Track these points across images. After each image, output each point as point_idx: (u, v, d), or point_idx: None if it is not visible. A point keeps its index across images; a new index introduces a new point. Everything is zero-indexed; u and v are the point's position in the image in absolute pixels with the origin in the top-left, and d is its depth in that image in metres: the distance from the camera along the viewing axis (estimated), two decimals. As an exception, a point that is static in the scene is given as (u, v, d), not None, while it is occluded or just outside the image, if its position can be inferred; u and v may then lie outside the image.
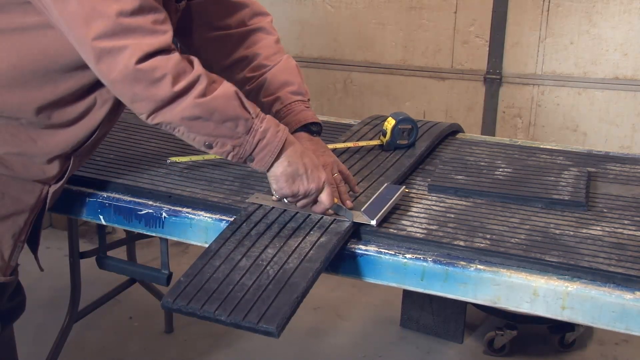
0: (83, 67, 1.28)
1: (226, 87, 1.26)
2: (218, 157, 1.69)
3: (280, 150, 1.30)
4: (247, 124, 1.27)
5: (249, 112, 1.27)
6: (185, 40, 1.61)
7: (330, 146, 1.70)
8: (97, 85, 1.33)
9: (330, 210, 1.39)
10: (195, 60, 1.25)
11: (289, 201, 1.38)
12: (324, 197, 1.36)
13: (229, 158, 1.30)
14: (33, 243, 1.52)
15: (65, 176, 1.45)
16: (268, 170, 1.33)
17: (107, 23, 1.16)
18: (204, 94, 1.22)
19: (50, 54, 1.29)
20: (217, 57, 1.58)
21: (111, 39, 1.17)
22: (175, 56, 1.21)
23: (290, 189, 1.33)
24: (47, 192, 1.44)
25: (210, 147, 1.28)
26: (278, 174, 1.32)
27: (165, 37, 1.21)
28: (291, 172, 1.32)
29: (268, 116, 1.31)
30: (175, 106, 1.21)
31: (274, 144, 1.29)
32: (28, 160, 1.38)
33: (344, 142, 1.78)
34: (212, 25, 1.57)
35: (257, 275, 1.23)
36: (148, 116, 1.24)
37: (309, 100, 1.56)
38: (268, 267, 1.25)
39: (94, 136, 1.42)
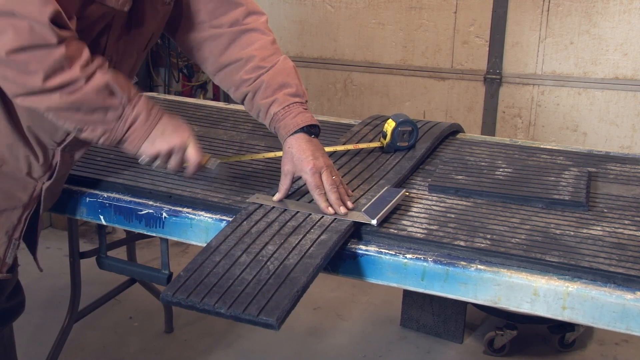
0: None
1: (97, 80, 1.26)
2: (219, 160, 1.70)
3: (150, 132, 1.34)
4: (116, 112, 1.29)
5: (120, 100, 1.29)
6: (178, 38, 1.59)
7: (330, 149, 1.69)
8: None
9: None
10: (81, 57, 1.24)
11: (158, 165, 1.39)
12: (191, 153, 1.38)
13: (100, 142, 1.32)
14: (31, 244, 1.52)
15: (56, 172, 1.45)
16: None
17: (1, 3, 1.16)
18: (73, 92, 1.23)
19: None
20: (211, 56, 1.57)
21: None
22: (59, 52, 1.20)
23: (151, 148, 1.35)
24: (41, 189, 1.43)
25: (80, 131, 1.30)
26: (146, 147, 1.35)
27: (52, 33, 1.19)
28: (152, 135, 1.34)
29: (142, 100, 1.33)
30: (43, 98, 1.23)
31: (145, 127, 1.32)
32: (19, 152, 1.38)
33: (344, 143, 1.78)
34: (206, 24, 1.55)
35: (258, 270, 1.23)
36: (16, 98, 1.25)
37: (307, 101, 1.56)
38: (268, 263, 1.26)
39: None
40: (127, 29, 1.41)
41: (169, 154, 1.37)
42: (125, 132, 1.31)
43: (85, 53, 1.25)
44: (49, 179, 1.44)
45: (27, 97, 1.24)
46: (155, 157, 1.37)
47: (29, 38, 1.18)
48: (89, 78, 1.25)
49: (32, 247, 1.53)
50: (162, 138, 1.35)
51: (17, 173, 1.40)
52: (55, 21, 1.20)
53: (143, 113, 1.32)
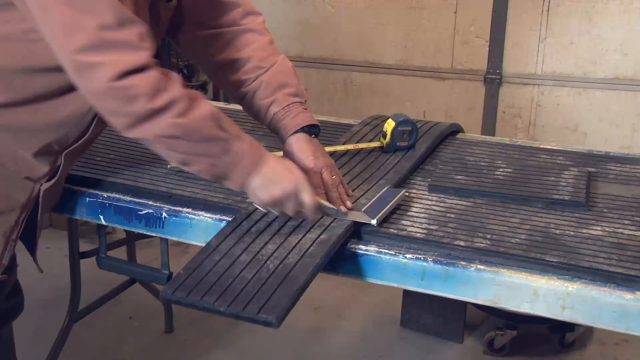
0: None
1: (203, 108, 1.25)
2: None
3: (256, 169, 1.30)
4: (225, 145, 1.26)
5: (228, 133, 1.27)
6: (177, 38, 1.60)
7: (330, 148, 1.69)
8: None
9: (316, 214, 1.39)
10: (176, 79, 1.24)
11: (277, 212, 1.36)
12: (305, 198, 1.32)
13: (205, 176, 1.31)
14: (30, 245, 1.52)
15: (57, 175, 1.44)
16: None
17: (87, 37, 1.15)
18: (181, 114, 1.21)
19: (35, 55, 1.29)
20: (208, 56, 1.57)
21: (90, 54, 1.16)
22: (153, 74, 1.19)
23: (268, 195, 1.31)
24: (39, 191, 1.43)
25: (186, 164, 1.28)
26: (254, 187, 1.32)
27: (145, 53, 1.19)
28: (262, 181, 1.31)
29: (247, 137, 1.31)
30: (152, 124, 1.20)
31: (250, 165, 1.29)
32: (17, 155, 1.37)
33: (344, 143, 1.78)
34: (203, 24, 1.55)
35: (257, 269, 1.24)
36: (126, 130, 1.23)
37: (306, 101, 1.56)
38: (268, 262, 1.26)
39: (87, 135, 1.42)
40: None
41: (283, 200, 1.32)
42: (231, 168, 1.28)
43: (179, 77, 1.25)
44: (49, 180, 1.44)
45: (136, 127, 1.21)
46: (270, 204, 1.33)
47: (127, 63, 1.17)
48: (193, 102, 1.23)
49: (32, 249, 1.52)
50: (274, 184, 1.31)
51: (16, 175, 1.40)
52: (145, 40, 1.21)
53: (249, 151, 1.29)
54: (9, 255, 1.43)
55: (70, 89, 1.32)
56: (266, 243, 1.32)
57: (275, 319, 1.13)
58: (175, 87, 1.22)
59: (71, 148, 1.43)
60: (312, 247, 1.29)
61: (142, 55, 1.18)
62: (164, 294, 1.21)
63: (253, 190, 1.32)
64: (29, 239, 1.50)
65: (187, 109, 1.21)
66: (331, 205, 1.38)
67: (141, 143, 1.28)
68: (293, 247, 1.30)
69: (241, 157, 1.28)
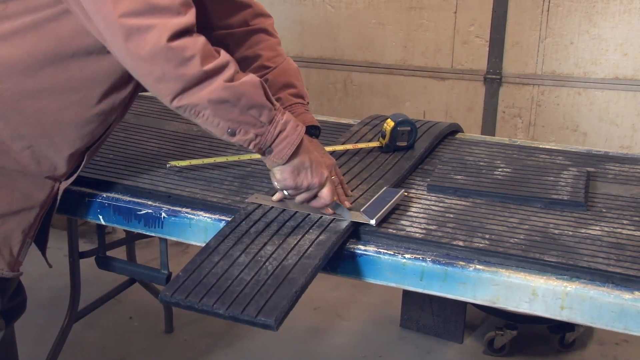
0: (97, 52, 1.28)
1: (252, 75, 1.26)
2: (217, 160, 1.71)
3: (300, 142, 1.31)
4: (270, 113, 1.26)
5: (272, 103, 1.27)
6: None
7: (329, 148, 1.70)
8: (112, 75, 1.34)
9: (329, 209, 1.40)
10: (221, 49, 1.24)
11: (290, 194, 1.38)
12: (325, 193, 1.36)
13: (251, 147, 1.28)
14: (41, 241, 1.53)
15: (77, 173, 1.45)
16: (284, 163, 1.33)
17: (133, 2, 1.15)
18: (232, 79, 1.21)
19: (65, 40, 1.29)
20: None
21: (139, 17, 1.15)
22: (203, 38, 1.20)
23: (295, 181, 1.33)
24: (58, 189, 1.44)
25: (233, 134, 1.26)
26: (286, 168, 1.32)
27: (191, 17, 1.20)
28: (298, 164, 1.32)
29: (287, 111, 1.32)
30: (204, 87, 1.20)
31: (294, 137, 1.29)
32: (41, 156, 1.38)
33: (343, 143, 1.78)
34: (214, 25, 1.57)
35: (256, 271, 1.23)
36: (174, 97, 1.21)
37: (308, 103, 1.57)
38: (267, 263, 1.26)
39: (108, 130, 1.43)
40: None
41: (305, 190, 1.35)
42: (275, 139, 1.28)
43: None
44: (68, 179, 1.45)
45: (187, 92, 1.20)
46: (292, 188, 1.35)
47: (177, 24, 1.17)
48: (237, 69, 1.23)
49: (42, 246, 1.53)
50: (306, 173, 1.33)
51: (38, 175, 1.40)
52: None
53: (292, 121, 1.29)
54: (26, 252, 1.44)
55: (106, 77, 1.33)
56: (265, 244, 1.32)
57: (274, 321, 1.13)
58: (222, 52, 1.23)
59: (94, 146, 1.44)
60: (310, 248, 1.29)
61: (188, 18, 1.19)
62: (162, 297, 1.21)
63: (283, 171, 1.32)
64: (41, 235, 1.51)
65: (235, 74, 1.22)
66: (343, 208, 1.39)
67: (183, 115, 1.25)
68: (292, 248, 1.30)
69: (286, 129, 1.28)
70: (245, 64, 1.56)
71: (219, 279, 1.22)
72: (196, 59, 1.17)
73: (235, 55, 1.57)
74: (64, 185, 1.44)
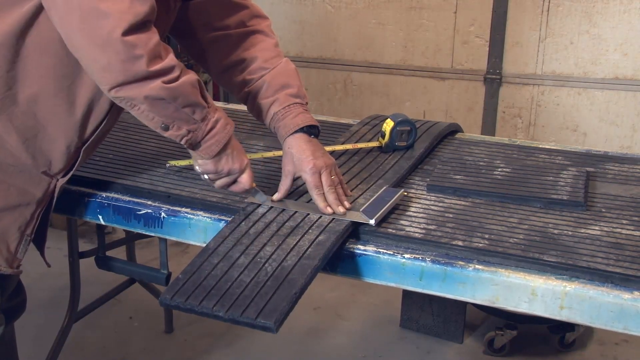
0: None
1: (191, 75, 1.29)
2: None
3: (229, 140, 1.36)
4: (204, 112, 1.30)
5: (207, 102, 1.31)
6: (185, 42, 1.61)
7: (329, 148, 1.69)
8: None
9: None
10: (170, 50, 1.27)
11: (210, 178, 1.41)
12: (245, 178, 1.41)
13: (182, 142, 1.32)
14: (40, 240, 1.53)
15: (73, 170, 1.45)
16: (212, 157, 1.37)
17: None
18: (172, 81, 1.24)
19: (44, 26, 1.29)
20: (216, 58, 1.58)
21: (98, 0, 1.16)
22: (155, 38, 1.22)
23: (215, 166, 1.38)
24: (55, 186, 1.44)
25: (166, 128, 1.30)
26: (216, 157, 1.37)
27: (149, 10, 1.21)
28: (222, 154, 1.37)
29: (219, 108, 1.36)
30: (144, 85, 1.22)
31: (222, 135, 1.34)
32: (36, 150, 1.38)
33: (343, 143, 1.78)
34: (211, 26, 1.57)
35: (256, 272, 1.23)
36: (113, 88, 1.23)
37: (307, 103, 1.56)
38: (266, 265, 1.26)
39: (102, 125, 1.42)
40: None
41: (225, 175, 1.40)
42: (205, 135, 1.33)
43: (168, 46, 1.28)
44: (65, 175, 1.45)
45: (127, 85, 1.22)
46: (212, 173, 1.39)
47: (134, 17, 1.18)
48: (182, 70, 1.27)
49: (41, 245, 1.53)
50: (227, 159, 1.38)
51: (33, 171, 1.40)
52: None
53: (222, 120, 1.34)
54: (25, 250, 1.44)
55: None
56: (264, 245, 1.32)
57: (274, 323, 1.13)
58: (171, 55, 1.26)
59: (89, 141, 1.43)
60: (310, 249, 1.29)
61: (147, 11, 1.20)
62: (162, 299, 1.21)
63: (211, 159, 1.37)
64: (39, 234, 1.51)
65: (177, 77, 1.25)
66: (262, 193, 1.46)
67: (119, 103, 1.28)
68: (291, 249, 1.30)
69: (216, 127, 1.33)
70: (242, 66, 1.56)
71: (219, 281, 1.22)
72: (144, 58, 1.20)
73: (233, 57, 1.57)
74: (61, 182, 1.44)
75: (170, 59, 1.25)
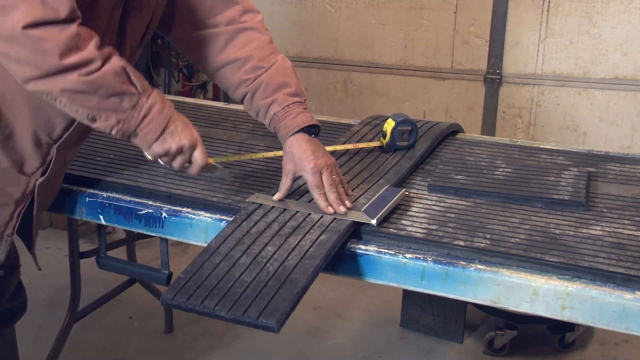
0: None
1: (114, 63, 1.24)
2: (218, 160, 1.70)
3: (165, 127, 1.31)
4: (133, 99, 1.26)
5: (136, 88, 1.27)
6: (173, 36, 1.59)
7: (330, 148, 1.69)
8: None
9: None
10: (93, 38, 1.22)
11: (164, 162, 1.38)
12: (198, 155, 1.37)
13: (113, 133, 1.28)
14: (28, 241, 1.52)
15: (50, 168, 1.44)
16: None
17: None
18: (90, 73, 1.20)
19: None
20: (208, 55, 1.56)
21: None
22: (71, 30, 1.18)
23: (162, 146, 1.33)
24: (34, 185, 1.42)
25: (93, 120, 1.27)
26: (157, 143, 1.34)
27: (65, 5, 1.17)
28: (164, 135, 1.33)
29: (155, 91, 1.31)
30: (59, 79, 1.19)
31: (159, 121, 1.30)
32: (8, 148, 1.37)
33: (344, 143, 1.78)
34: (201, 23, 1.54)
35: (257, 272, 1.23)
36: (28, 81, 1.21)
37: (305, 100, 1.55)
38: (268, 264, 1.26)
39: (74, 126, 1.41)
40: (119, 23, 1.40)
41: (177, 153, 1.36)
42: (139, 124, 1.28)
43: (96, 35, 1.23)
44: (43, 174, 1.44)
45: (41, 79, 1.20)
46: (163, 155, 1.35)
47: (42, 12, 1.15)
48: (105, 59, 1.22)
49: (29, 245, 1.52)
50: (172, 137, 1.33)
51: (10, 170, 1.39)
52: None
53: (157, 104, 1.30)
54: (5, 250, 1.43)
55: None
56: (266, 245, 1.31)
57: (275, 323, 1.13)
58: (91, 46, 1.20)
59: (62, 140, 1.42)
60: (311, 249, 1.29)
61: (61, 6, 1.16)
62: (164, 299, 1.21)
63: (157, 144, 1.33)
64: (26, 235, 1.50)
65: (98, 68, 1.21)
66: (221, 167, 1.44)
67: (41, 97, 1.26)
68: (293, 249, 1.29)
69: (151, 113, 1.29)
70: (237, 65, 1.54)
71: (220, 281, 1.22)
72: (54, 51, 1.16)
73: (226, 55, 1.54)
74: (39, 181, 1.43)
75: (89, 51, 1.20)
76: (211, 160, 1.41)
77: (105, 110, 1.25)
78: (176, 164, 1.38)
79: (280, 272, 1.23)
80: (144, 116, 1.28)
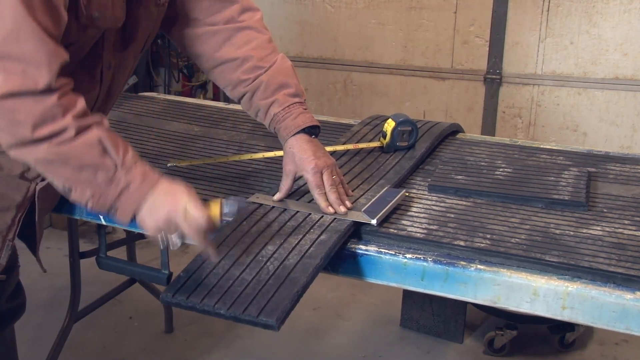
0: None
1: (91, 135, 1.18)
2: (218, 160, 1.71)
3: (142, 202, 1.22)
4: (108, 174, 1.20)
5: (114, 161, 1.20)
6: (173, 34, 1.58)
7: (330, 148, 1.69)
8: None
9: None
10: (73, 106, 1.18)
11: (166, 239, 1.26)
12: (193, 211, 1.21)
13: (89, 206, 1.23)
14: (32, 244, 1.52)
15: None
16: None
17: None
18: (62, 143, 1.16)
19: None
20: (206, 53, 1.55)
21: None
22: (50, 100, 1.14)
23: (150, 223, 1.24)
24: (35, 190, 1.42)
25: (69, 191, 1.23)
26: (141, 217, 1.24)
27: (45, 75, 1.14)
28: (145, 214, 1.23)
29: (139, 165, 1.23)
30: (32, 149, 1.17)
31: (138, 199, 1.21)
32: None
33: (344, 143, 1.78)
34: (200, 21, 1.53)
35: (257, 271, 1.23)
36: (9, 148, 1.19)
37: (305, 100, 1.55)
38: (268, 263, 1.26)
39: None
40: (122, 35, 1.40)
41: (168, 223, 1.22)
42: (116, 199, 1.21)
43: (81, 104, 1.19)
44: (43, 179, 1.43)
45: (17, 148, 1.18)
46: (158, 232, 1.24)
47: (20, 83, 1.12)
48: (81, 130, 1.17)
49: (33, 248, 1.52)
50: (154, 208, 1.22)
51: (11, 175, 1.39)
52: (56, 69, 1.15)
53: (137, 179, 1.21)
54: (7, 255, 1.43)
55: None
56: (266, 244, 1.32)
57: (275, 321, 1.13)
58: (68, 116, 1.16)
59: None
60: (312, 248, 1.29)
61: (41, 77, 1.13)
62: (164, 297, 1.21)
63: (141, 223, 1.24)
64: (30, 238, 1.50)
65: (71, 138, 1.16)
66: (240, 198, 1.29)
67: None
68: (293, 248, 1.30)
69: (127, 188, 1.21)
70: (235, 64, 1.53)
71: (220, 279, 1.22)
72: (27, 123, 1.14)
73: (225, 54, 1.53)
74: (40, 185, 1.42)
75: (64, 121, 1.15)
76: (216, 205, 1.23)
77: (79, 182, 1.21)
78: (182, 235, 1.24)
79: (281, 271, 1.23)
80: (121, 191, 1.21)
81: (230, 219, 1.30)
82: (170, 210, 1.21)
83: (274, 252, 1.29)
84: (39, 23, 1.14)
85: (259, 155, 1.70)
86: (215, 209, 1.23)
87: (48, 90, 1.15)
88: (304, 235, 1.33)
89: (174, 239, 1.25)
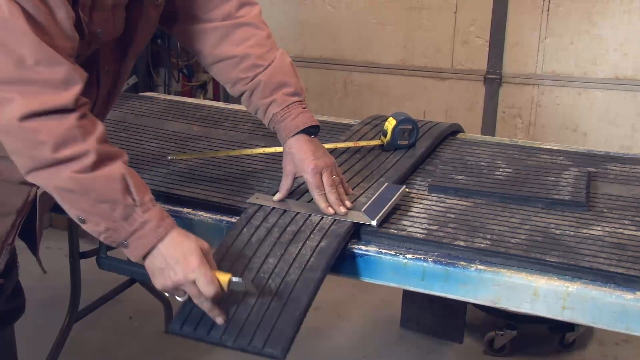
0: None
1: (114, 168, 1.17)
2: (219, 154, 1.70)
3: (156, 244, 1.20)
4: (126, 211, 1.18)
5: (134, 200, 1.18)
6: (174, 31, 1.57)
7: (331, 146, 1.69)
8: None
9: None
10: (95, 131, 1.16)
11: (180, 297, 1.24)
12: (203, 287, 1.18)
13: (101, 239, 1.21)
14: (32, 245, 1.51)
15: None
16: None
17: (6, 66, 1.10)
18: (83, 170, 1.14)
19: None
20: (204, 49, 1.53)
21: (3, 87, 1.11)
22: (69, 121, 1.13)
23: (160, 283, 1.22)
24: (35, 195, 1.41)
25: (83, 222, 1.20)
26: (152, 269, 1.23)
27: (66, 95, 1.13)
28: (158, 264, 1.21)
29: (156, 207, 1.21)
30: (52, 173, 1.14)
31: (151, 241, 1.19)
32: (10, 162, 1.36)
33: (345, 141, 1.78)
34: (198, 18, 1.51)
35: (260, 291, 1.23)
36: (27, 173, 1.17)
37: (305, 98, 1.53)
38: (270, 280, 1.25)
39: None
40: (121, 40, 1.40)
41: (176, 288, 1.21)
42: (129, 235, 1.19)
43: (100, 128, 1.17)
44: None
45: (37, 172, 1.15)
46: (166, 291, 1.24)
47: (41, 102, 1.11)
48: (102, 158, 1.15)
49: (33, 248, 1.52)
50: (162, 274, 1.21)
51: (12, 180, 1.38)
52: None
53: (153, 220, 1.19)
54: (5, 259, 1.42)
55: None
56: (267, 256, 1.31)
57: (280, 352, 1.14)
58: (90, 139, 1.14)
59: None
60: (312, 259, 1.29)
61: (61, 98, 1.13)
62: (172, 328, 1.22)
63: (151, 272, 1.23)
64: (30, 239, 1.50)
65: (93, 165, 1.14)
66: (245, 280, 1.21)
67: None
68: (294, 260, 1.29)
69: (143, 228, 1.19)
70: (234, 61, 1.51)
71: (225, 304, 1.22)
72: (48, 144, 1.12)
73: (223, 51, 1.51)
74: (41, 190, 1.40)
75: (87, 144, 1.13)
76: (225, 279, 1.19)
77: (95, 215, 1.18)
78: (183, 296, 1.23)
79: (282, 289, 1.23)
80: (136, 230, 1.19)
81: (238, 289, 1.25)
82: (180, 279, 1.19)
83: (275, 267, 1.28)
84: (55, 47, 1.13)
85: (259, 150, 1.69)
86: (223, 281, 1.20)
87: (69, 110, 1.14)
88: (304, 243, 1.33)
89: (181, 295, 1.24)
